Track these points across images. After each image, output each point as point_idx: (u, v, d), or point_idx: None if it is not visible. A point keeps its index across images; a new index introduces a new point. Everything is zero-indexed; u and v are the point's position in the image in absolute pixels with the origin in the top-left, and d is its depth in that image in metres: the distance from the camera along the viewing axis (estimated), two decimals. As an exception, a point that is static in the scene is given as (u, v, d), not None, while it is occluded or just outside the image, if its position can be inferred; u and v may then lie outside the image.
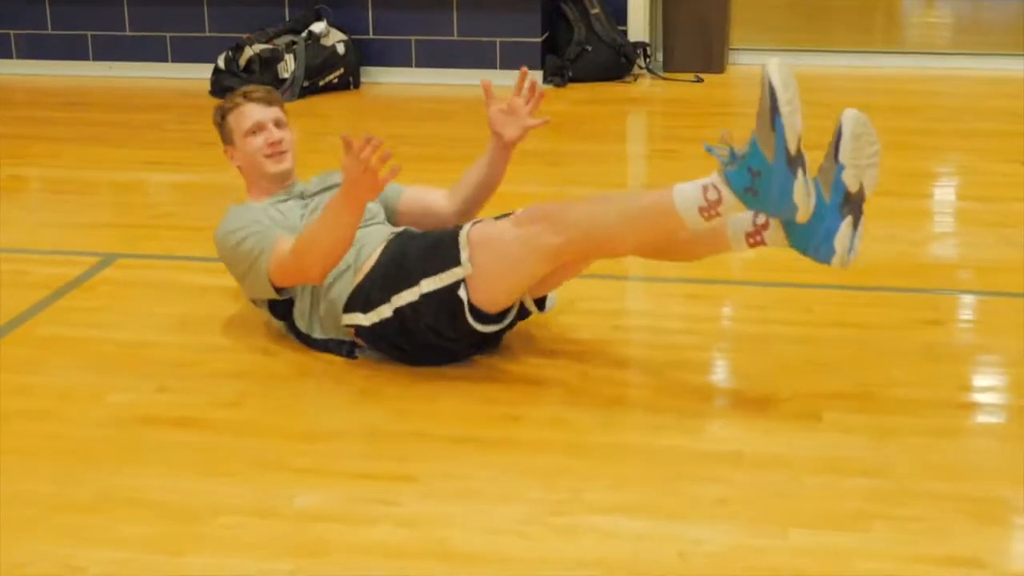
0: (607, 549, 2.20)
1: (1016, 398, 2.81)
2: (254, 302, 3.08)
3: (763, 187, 2.49)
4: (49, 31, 6.37)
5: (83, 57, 6.38)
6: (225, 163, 4.60)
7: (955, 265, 3.69)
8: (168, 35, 6.29)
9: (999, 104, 5.58)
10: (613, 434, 2.62)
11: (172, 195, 4.56)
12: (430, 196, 3.20)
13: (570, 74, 6.07)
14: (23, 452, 2.58)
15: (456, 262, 2.74)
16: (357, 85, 6.09)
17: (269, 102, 3.11)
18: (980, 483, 2.39)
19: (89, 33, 6.35)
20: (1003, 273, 3.50)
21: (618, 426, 2.65)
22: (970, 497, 2.33)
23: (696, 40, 6.20)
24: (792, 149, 2.47)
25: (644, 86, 6.13)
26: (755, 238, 2.69)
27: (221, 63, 5.94)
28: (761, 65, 2.52)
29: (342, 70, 6.01)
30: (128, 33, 6.32)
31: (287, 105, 3.30)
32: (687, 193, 2.58)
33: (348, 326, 2.90)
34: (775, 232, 2.67)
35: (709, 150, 2.58)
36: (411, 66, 6.16)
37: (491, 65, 6.07)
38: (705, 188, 2.56)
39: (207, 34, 6.22)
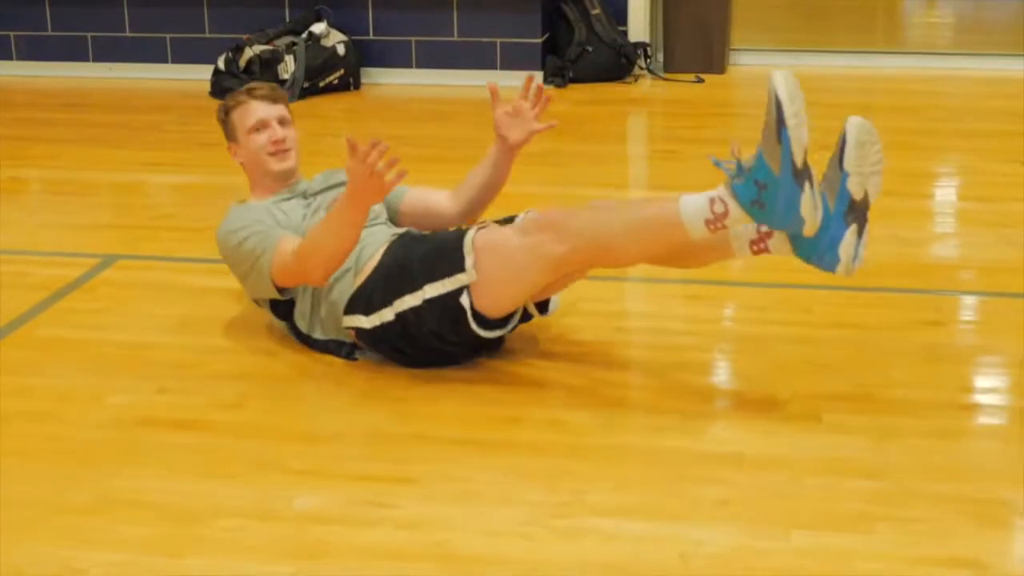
0: (608, 551, 2.20)
1: (1017, 399, 2.80)
2: (256, 302, 3.07)
3: (770, 200, 2.49)
4: (49, 32, 6.37)
5: (83, 58, 6.38)
6: (225, 164, 4.60)
7: (956, 265, 3.69)
8: (168, 36, 6.29)
9: (1000, 104, 5.57)
10: (614, 436, 2.61)
11: (172, 196, 4.56)
12: (433, 197, 3.19)
13: (571, 75, 6.07)
14: (23, 454, 2.57)
15: (460, 268, 2.73)
16: (357, 86, 6.09)
17: (274, 100, 3.11)
18: (982, 484, 2.38)
19: (89, 34, 6.35)
20: (1004, 274, 3.50)
21: (619, 428, 2.65)
22: (972, 498, 2.33)
23: (697, 41, 6.20)
24: (799, 162, 2.47)
25: (645, 87, 6.12)
26: (759, 245, 2.68)
27: (221, 64, 5.94)
28: (767, 77, 2.51)
29: (342, 71, 6.00)
30: (128, 34, 6.32)
31: (287, 106, 3.29)
32: (693, 205, 2.57)
33: (349, 328, 2.90)
34: (779, 240, 2.67)
35: (716, 164, 2.57)
36: (411, 67, 6.16)
37: (491, 66, 6.06)
38: (712, 200, 2.56)
39: (207, 35, 6.22)
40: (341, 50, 5.99)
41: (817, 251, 2.58)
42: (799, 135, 2.47)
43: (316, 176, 3.19)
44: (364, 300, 2.85)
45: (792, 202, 2.47)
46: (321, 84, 5.93)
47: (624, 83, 6.13)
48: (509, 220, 2.99)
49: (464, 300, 2.73)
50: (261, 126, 3.07)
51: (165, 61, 6.32)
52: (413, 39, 6.13)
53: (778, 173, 2.47)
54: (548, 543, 2.23)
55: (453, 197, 3.18)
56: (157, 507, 2.35)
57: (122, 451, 2.58)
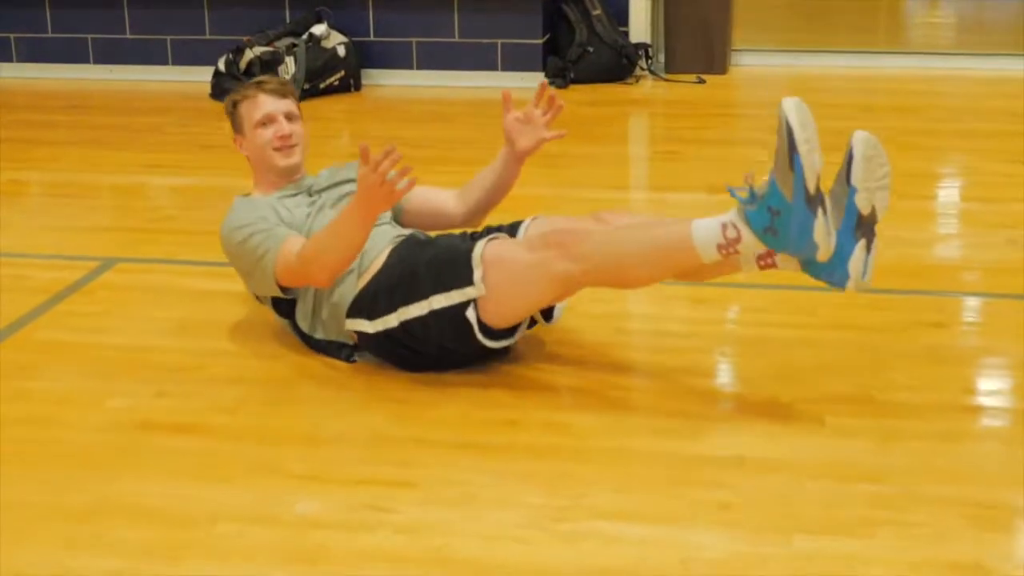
0: (609, 555, 2.18)
1: (1021, 401, 2.79)
2: (257, 298, 3.06)
3: (783, 227, 2.49)
4: (49, 34, 6.38)
5: (84, 60, 6.38)
6: (226, 166, 4.63)
7: (958, 267, 3.68)
8: (168, 38, 6.29)
9: (1001, 104, 5.56)
10: (615, 438, 2.60)
11: (172, 198, 4.55)
12: (439, 198, 3.18)
13: (572, 75, 6.06)
14: (22, 457, 2.56)
15: (468, 281, 2.71)
16: (358, 87, 6.09)
17: (282, 94, 3.09)
18: (985, 487, 2.37)
19: (89, 36, 6.35)
20: (1007, 275, 3.48)
21: (620, 430, 2.64)
22: (974, 502, 2.32)
23: (698, 41, 6.19)
24: (811, 188, 2.47)
25: (646, 87, 6.12)
26: (766, 261, 2.66)
27: (222, 66, 5.93)
28: (778, 104, 2.50)
29: (343, 72, 6.00)
30: (128, 36, 6.32)
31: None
32: (705, 230, 2.57)
33: (351, 331, 2.88)
34: (787, 256, 2.65)
35: (732, 193, 2.56)
36: (412, 68, 6.16)
37: (492, 67, 6.06)
38: (724, 226, 2.55)
39: (207, 37, 6.21)
40: (342, 51, 5.98)
41: (827, 268, 2.57)
42: (811, 161, 2.47)
43: (322, 172, 3.17)
44: (368, 304, 2.84)
45: (805, 228, 2.47)
46: (322, 86, 5.93)
47: (625, 84, 6.12)
48: (515, 226, 2.98)
49: (471, 314, 2.72)
50: (268, 120, 3.05)
51: (165, 63, 6.32)
52: (414, 40, 6.13)
53: (791, 200, 2.47)
54: (548, 547, 2.21)
55: (459, 198, 3.17)
56: (155, 511, 2.34)
57: (121, 455, 2.57)
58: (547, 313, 2.91)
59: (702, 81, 6.10)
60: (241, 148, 3.12)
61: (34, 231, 4.06)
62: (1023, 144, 4.77)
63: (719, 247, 2.56)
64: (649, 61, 6.23)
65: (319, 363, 2.95)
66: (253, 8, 6.16)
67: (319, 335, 2.96)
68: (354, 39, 6.06)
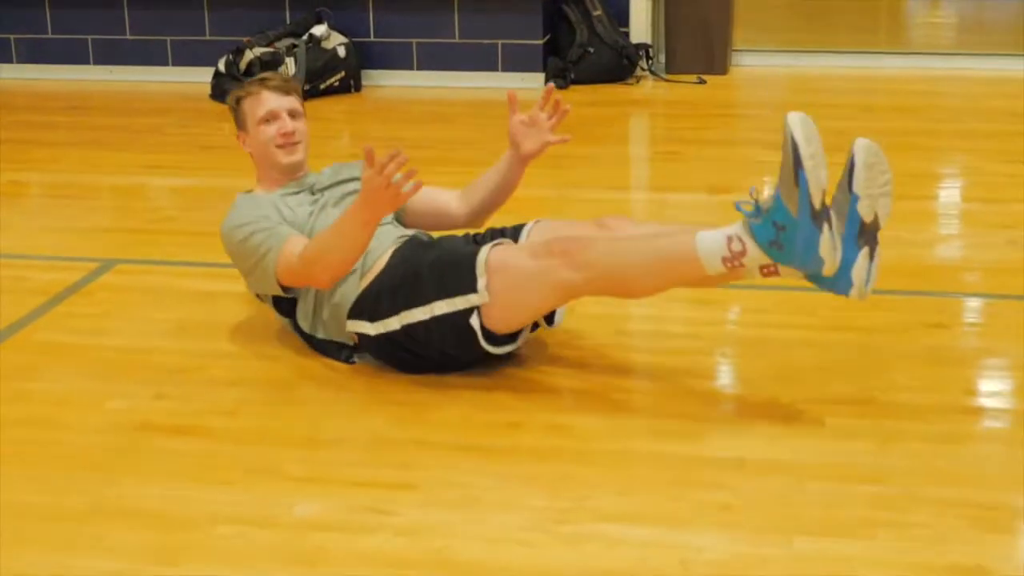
0: (610, 557, 2.18)
1: (1022, 402, 2.78)
2: (258, 296, 3.06)
3: (788, 242, 2.49)
4: (49, 35, 6.37)
5: (84, 61, 6.37)
6: (226, 167, 4.62)
7: (959, 267, 3.67)
8: (168, 39, 6.28)
9: (1001, 104, 5.56)
10: (617, 441, 2.60)
11: (172, 199, 4.55)
12: (442, 198, 3.17)
13: (572, 76, 6.05)
14: (21, 459, 2.56)
15: (472, 288, 2.71)
16: (358, 88, 6.08)
17: (286, 91, 3.08)
18: (986, 489, 2.37)
19: (89, 37, 6.34)
20: (1008, 275, 3.48)
21: (622, 432, 2.63)
22: (975, 503, 2.31)
23: (698, 41, 6.19)
24: (816, 204, 2.47)
25: (646, 88, 6.11)
26: (769, 268, 2.65)
27: (222, 67, 5.93)
28: (784, 119, 2.50)
29: (343, 73, 5.99)
30: (128, 37, 6.31)
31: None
32: (710, 242, 2.57)
33: (352, 332, 2.88)
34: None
35: (737, 206, 2.55)
36: (412, 69, 6.15)
37: (493, 67, 6.05)
38: (729, 239, 2.55)
39: (207, 38, 6.21)
40: (342, 52, 5.98)
41: (830, 276, 2.57)
42: (816, 177, 2.47)
43: (324, 169, 3.17)
44: (369, 306, 2.83)
45: (811, 244, 2.48)
46: (322, 86, 5.92)
47: (626, 84, 6.12)
48: (517, 229, 2.98)
49: (474, 321, 2.72)
50: (271, 117, 3.04)
51: (165, 64, 6.31)
52: (414, 41, 6.12)
53: (796, 215, 2.47)
54: (549, 549, 2.21)
55: (462, 199, 3.17)
56: (155, 513, 2.34)
57: (120, 457, 2.57)
58: (549, 316, 2.90)
59: (703, 81, 6.10)
60: (244, 145, 3.12)
61: (34, 232, 4.05)
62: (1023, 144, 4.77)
63: (724, 260, 2.56)
64: (650, 61, 6.22)
65: (319, 364, 2.94)
66: (253, 9, 6.16)
67: (320, 334, 2.95)
68: (354, 40, 6.05)
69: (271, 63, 5.81)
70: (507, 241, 2.86)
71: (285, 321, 3.03)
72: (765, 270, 2.60)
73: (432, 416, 2.71)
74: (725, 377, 3.00)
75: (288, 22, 6.11)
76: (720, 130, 5.40)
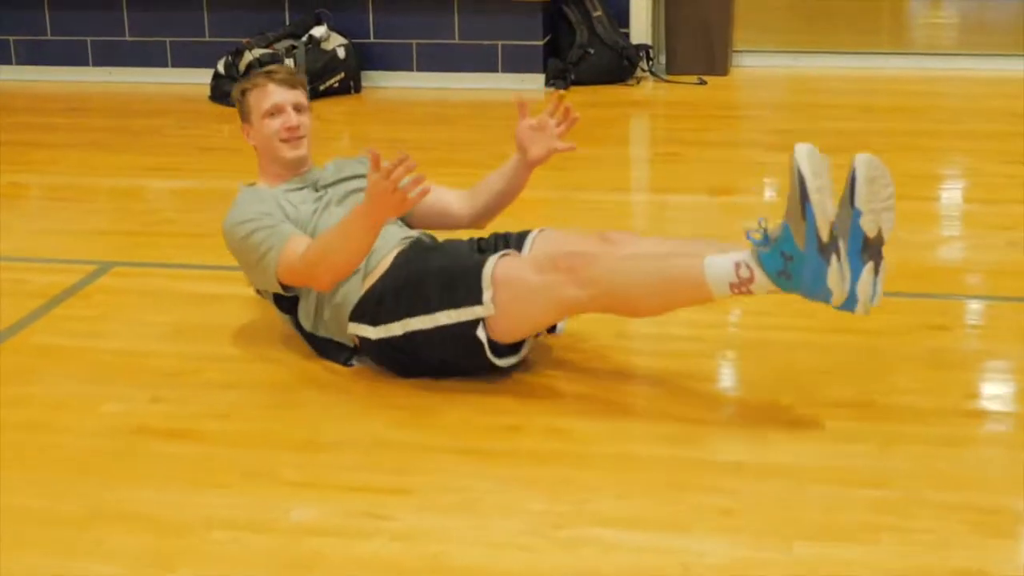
0: (609, 562, 2.16)
1: (1023, 405, 2.77)
2: (259, 292, 3.04)
3: (796, 272, 2.49)
4: (49, 37, 6.36)
5: (83, 63, 6.36)
6: (225, 168, 4.61)
7: (960, 269, 3.66)
8: (168, 40, 6.27)
9: (1003, 105, 5.54)
10: (616, 444, 2.58)
11: (172, 201, 4.53)
12: (446, 198, 3.16)
13: (572, 77, 6.04)
14: (16, 463, 2.54)
15: (478, 300, 2.69)
16: (358, 89, 6.07)
17: (292, 85, 3.06)
18: (987, 493, 2.35)
19: (89, 39, 6.33)
20: (1010, 277, 3.46)
21: (622, 436, 2.62)
22: (976, 507, 2.30)
23: (699, 42, 6.17)
24: (824, 237, 2.46)
25: (647, 89, 6.10)
26: (776, 291, 2.64)
27: (221, 68, 5.92)
28: (791, 152, 2.50)
29: (343, 74, 5.98)
30: (128, 38, 6.30)
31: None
32: (718, 267, 2.56)
33: (353, 334, 2.86)
34: None
35: (747, 235, 2.54)
36: (412, 70, 6.14)
37: (493, 69, 6.04)
38: (737, 265, 2.54)
39: (207, 39, 6.20)
40: (341, 53, 5.96)
41: (838, 304, 2.55)
42: (824, 210, 2.46)
43: (327, 165, 3.15)
44: (371, 309, 2.81)
45: (819, 275, 2.47)
46: (321, 88, 5.91)
47: (626, 85, 6.11)
48: (522, 236, 2.96)
49: (481, 333, 2.71)
50: (276, 111, 3.02)
51: (165, 65, 6.30)
52: (414, 42, 6.11)
53: (803, 248, 2.47)
54: (548, 554, 2.19)
55: (466, 200, 3.15)
56: (150, 518, 2.32)
57: (115, 461, 2.55)
58: (551, 325, 2.90)
59: (703, 82, 6.09)
60: (248, 137, 3.09)
61: (32, 235, 4.04)
62: (1025, 145, 4.76)
63: (731, 286, 2.55)
64: (650, 62, 6.21)
65: (319, 367, 2.93)
66: (252, 10, 6.15)
67: (321, 333, 2.94)
68: (354, 41, 6.04)
69: (270, 64, 5.79)
70: (513, 252, 2.84)
71: (286, 318, 3.01)
72: (771, 292, 2.60)
73: (432, 420, 2.69)
74: (726, 380, 2.99)
75: (287, 23, 6.10)
76: (721, 131, 5.39)
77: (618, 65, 6.11)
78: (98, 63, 6.36)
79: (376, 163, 2.63)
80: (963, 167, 4.77)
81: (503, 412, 2.71)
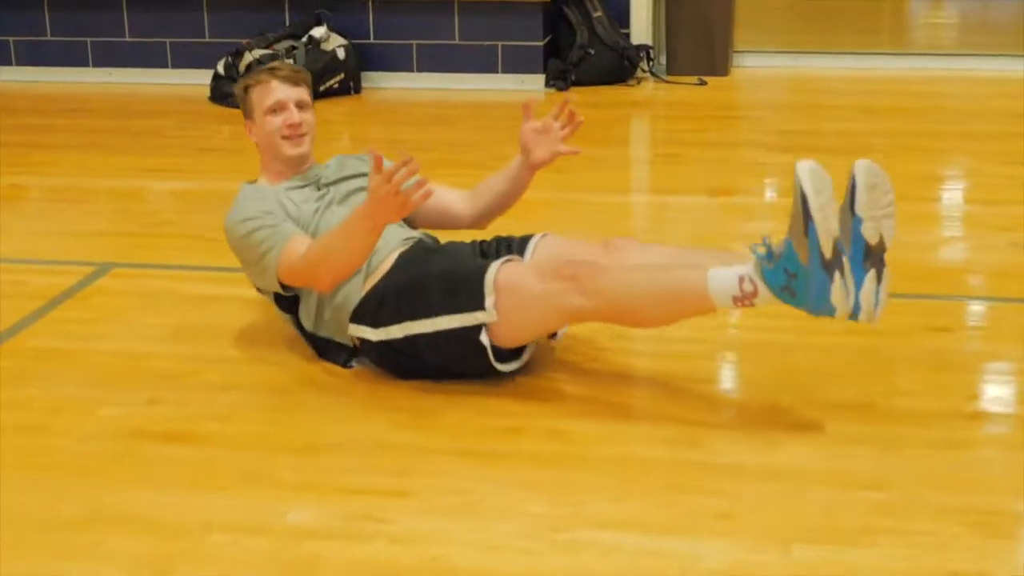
0: (608, 565, 2.16)
1: (1024, 407, 2.77)
2: (259, 290, 3.03)
3: (800, 289, 2.48)
4: (48, 37, 6.35)
5: (83, 64, 6.36)
6: (225, 169, 4.60)
7: (962, 270, 3.65)
8: (168, 41, 6.27)
9: (1004, 105, 5.53)
10: (616, 446, 2.57)
11: (171, 203, 4.53)
12: (448, 198, 3.15)
13: (572, 78, 6.03)
14: (13, 467, 2.54)
15: (480, 305, 2.69)
16: (358, 90, 6.06)
17: (295, 82, 3.05)
18: (988, 495, 2.34)
19: (89, 39, 6.33)
20: (1011, 278, 3.46)
21: (621, 438, 2.61)
22: (977, 510, 2.29)
23: (699, 43, 6.17)
24: (827, 254, 2.46)
25: (647, 89, 6.09)
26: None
27: (221, 69, 5.91)
28: (793, 169, 2.49)
29: (343, 75, 5.97)
30: (128, 39, 6.30)
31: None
32: (722, 280, 2.55)
33: (353, 336, 2.85)
34: None
35: (752, 250, 2.54)
36: (412, 71, 6.13)
37: (493, 69, 6.03)
38: (741, 279, 2.54)
39: (207, 40, 6.19)
40: (341, 54, 5.96)
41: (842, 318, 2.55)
42: (826, 228, 2.46)
43: (329, 162, 3.13)
44: (372, 310, 2.80)
45: (823, 291, 2.47)
46: (321, 88, 5.90)
47: (626, 86, 6.10)
48: (524, 241, 2.95)
49: (484, 338, 2.70)
50: (279, 108, 3.01)
51: (165, 66, 6.30)
52: (414, 43, 6.10)
53: (807, 264, 2.46)
54: (547, 557, 2.19)
55: (468, 201, 3.15)
56: (148, 521, 2.31)
57: (113, 464, 2.55)
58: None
59: (703, 83, 6.08)
60: (250, 134, 3.08)
61: (31, 236, 4.03)
62: (1026, 146, 4.75)
63: (735, 299, 2.55)
64: (650, 63, 6.20)
65: (319, 369, 2.92)
66: (252, 11, 6.14)
67: (322, 333, 2.93)
68: (354, 41, 6.03)
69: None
70: (516, 258, 2.83)
71: (287, 318, 3.00)
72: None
73: (432, 421, 2.69)
74: (726, 381, 2.98)
75: (287, 24, 6.09)
76: (721, 132, 5.38)
77: (618, 66, 6.10)
78: (98, 64, 6.35)
79: (378, 165, 2.62)
80: (964, 168, 4.77)
81: (503, 414, 2.70)
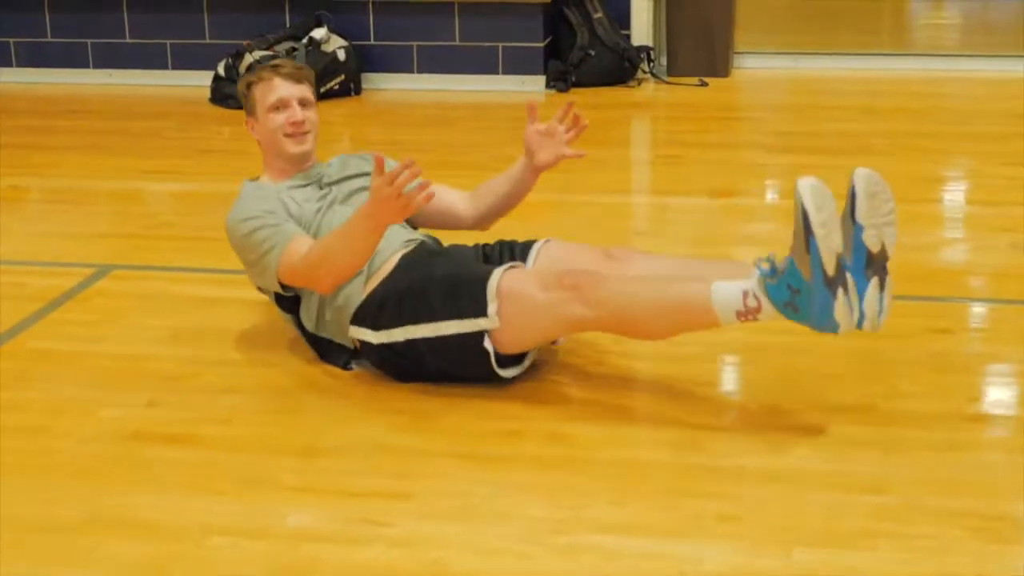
0: (608, 569, 2.15)
1: (1026, 409, 2.76)
2: (260, 290, 3.02)
3: (803, 305, 2.48)
4: (49, 39, 6.35)
5: (83, 65, 6.35)
6: (225, 171, 4.60)
7: (964, 271, 3.64)
8: (168, 42, 6.26)
9: (1007, 106, 5.52)
10: (616, 449, 2.57)
11: (171, 204, 4.52)
12: (450, 198, 3.15)
13: (573, 79, 6.03)
14: (12, 469, 2.53)
15: (482, 312, 2.68)
16: (358, 91, 6.05)
17: (298, 79, 3.04)
18: (989, 499, 2.34)
19: (89, 41, 6.32)
20: (1013, 280, 3.45)
21: (620, 441, 2.60)
22: (978, 513, 2.28)
23: (700, 44, 6.16)
24: (830, 270, 2.45)
25: (648, 91, 6.08)
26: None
27: (221, 70, 5.91)
28: (794, 185, 2.48)
29: (343, 76, 5.97)
30: (128, 40, 6.29)
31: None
32: (726, 294, 2.55)
33: (354, 338, 2.85)
34: None
35: (756, 265, 2.53)
36: (413, 72, 6.12)
37: (493, 71, 6.02)
38: (745, 294, 2.53)
39: (207, 41, 6.19)
40: (342, 55, 5.95)
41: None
42: (828, 244, 2.45)
43: (332, 160, 3.12)
44: (373, 313, 2.80)
45: (826, 308, 2.46)
46: (322, 90, 5.88)
47: (627, 87, 6.09)
48: (527, 247, 2.94)
49: (488, 344, 2.70)
50: (281, 105, 3.00)
51: (165, 67, 6.29)
52: (414, 44, 6.09)
53: (810, 280, 2.46)
54: (546, 561, 2.18)
55: (470, 201, 3.14)
56: (146, 524, 2.31)
57: (112, 466, 2.54)
58: None
59: (704, 84, 6.07)
60: (252, 131, 3.07)
61: (32, 238, 4.03)
62: (1028, 147, 4.74)
63: (738, 314, 2.54)
64: (651, 64, 6.19)
65: (319, 371, 2.91)
66: (253, 12, 6.13)
67: (323, 334, 2.92)
68: (354, 43, 6.02)
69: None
70: (519, 265, 2.83)
71: (287, 318, 2.99)
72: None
73: (432, 424, 2.68)
74: (726, 384, 2.98)
75: (288, 25, 6.08)
76: (722, 133, 5.38)
77: (619, 67, 6.09)
78: (98, 65, 6.34)
79: (380, 167, 2.61)
80: (966, 169, 4.76)
81: (504, 417, 2.70)
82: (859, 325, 2.52)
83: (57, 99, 6.13)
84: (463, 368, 2.76)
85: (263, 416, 2.75)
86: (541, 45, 6.01)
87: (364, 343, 2.83)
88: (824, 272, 2.45)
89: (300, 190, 3.00)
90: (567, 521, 2.29)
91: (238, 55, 5.85)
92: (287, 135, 3.00)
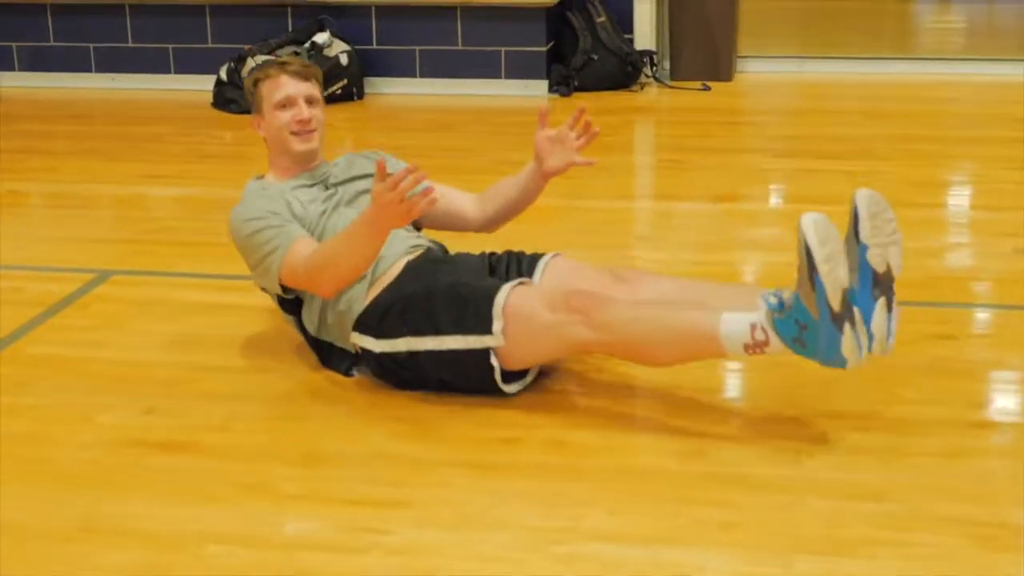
0: (607, 577, 2.14)
1: (1029, 416, 2.74)
2: (263, 289, 3.00)
3: (811, 341, 2.46)
4: (51, 43, 6.34)
5: (85, 69, 6.34)
6: (227, 176, 4.58)
7: (966, 277, 3.62)
8: (171, 47, 6.25)
9: (1011, 110, 5.50)
10: (616, 457, 2.55)
11: (172, 209, 4.51)
12: (458, 201, 3.14)
13: (576, 83, 6.01)
14: (11, 476, 2.52)
15: (487, 330, 2.67)
16: (361, 96, 6.04)
17: (305, 77, 3.02)
18: (990, 507, 2.32)
19: (91, 45, 6.31)
20: (1016, 285, 3.43)
21: (620, 449, 2.59)
22: (980, 521, 2.27)
23: (703, 48, 6.14)
24: (835, 306, 2.43)
25: (651, 95, 6.07)
26: None
27: (223, 75, 5.90)
28: (797, 221, 2.47)
29: (345, 81, 5.95)
30: (130, 45, 6.28)
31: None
32: (734, 327, 2.53)
33: (355, 344, 2.83)
34: None
35: (764, 299, 2.52)
36: (415, 76, 6.11)
37: (496, 75, 6.01)
38: (753, 327, 2.51)
39: (209, 45, 6.18)
40: (344, 60, 5.94)
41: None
42: (833, 280, 2.43)
43: (338, 160, 3.11)
44: (376, 320, 2.78)
45: (833, 343, 2.45)
46: (324, 94, 5.88)
47: (630, 91, 6.08)
48: (534, 260, 2.93)
49: (494, 360, 2.69)
50: (288, 103, 2.98)
51: (167, 72, 6.28)
52: (417, 48, 6.08)
53: (816, 317, 2.44)
54: (544, 570, 2.17)
55: (478, 204, 3.13)
56: (143, 533, 2.30)
57: (109, 474, 2.53)
58: None
59: (707, 88, 6.05)
60: (258, 129, 3.05)
61: (32, 243, 4.02)
62: (1033, 151, 4.72)
63: (746, 346, 2.53)
64: (654, 68, 6.18)
65: (320, 378, 2.90)
66: (255, 17, 6.12)
67: (324, 337, 2.91)
68: (357, 47, 6.01)
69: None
70: (526, 282, 2.81)
71: (289, 319, 2.98)
72: None
73: (432, 432, 2.67)
74: (728, 390, 2.96)
75: (290, 30, 6.08)
76: (725, 138, 5.36)
77: (622, 71, 6.08)
78: (100, 70, 6.34)
79: (382, 172, 2.59)
80: (970, 173, 4.74)
81: (504, 425, 2.68)
82: (868, 349, 2.50)
83: (59, 103, 6.12)
84: (466, 381, 2.75)
85: (262, 423, 2.73)
86: (544, 49, 6.00)
87: (365, 349, 2.81)
88: (830, 308, 2.42)
89: (305, 190, 2.98)
90: (567, 530, 2.28)
91: (240, 59, 5.84)
92: (293, 133, 2.98)
